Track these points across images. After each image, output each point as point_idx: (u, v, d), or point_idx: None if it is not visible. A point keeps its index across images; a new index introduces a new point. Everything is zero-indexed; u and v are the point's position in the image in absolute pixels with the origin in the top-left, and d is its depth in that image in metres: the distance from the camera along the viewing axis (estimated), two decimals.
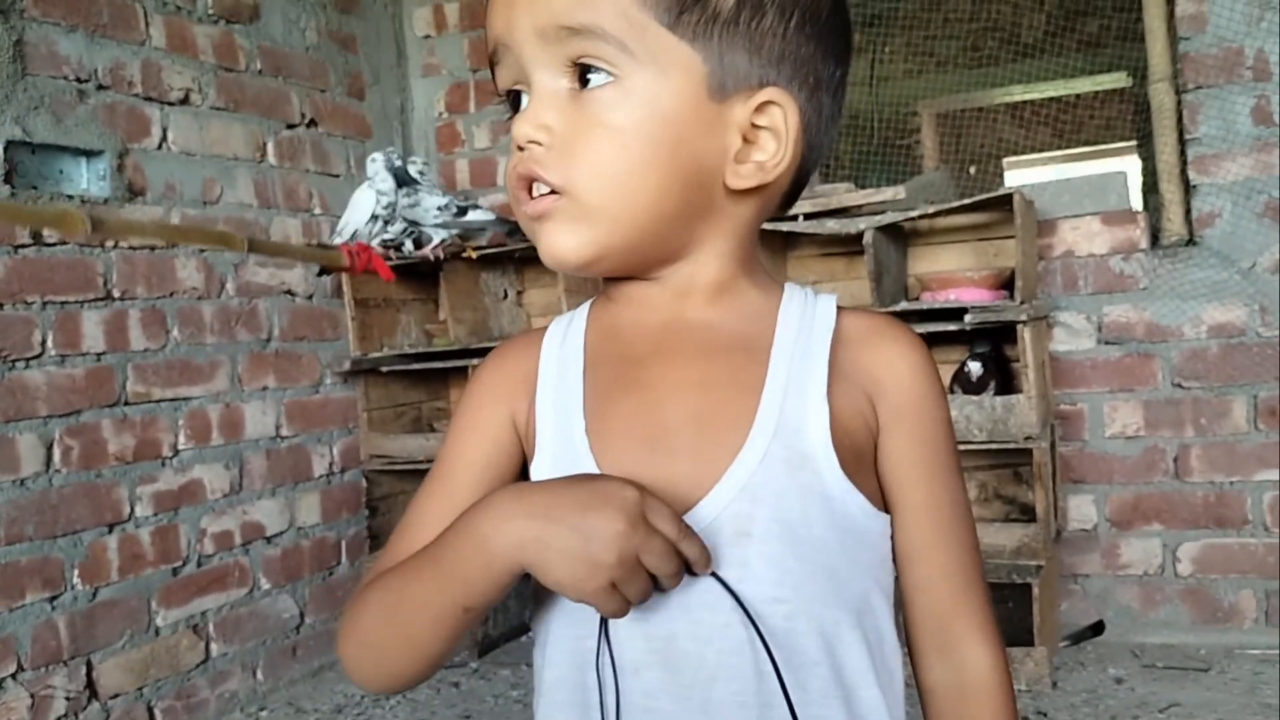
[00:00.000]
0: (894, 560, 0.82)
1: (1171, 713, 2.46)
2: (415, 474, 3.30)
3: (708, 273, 0.80)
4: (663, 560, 0.69)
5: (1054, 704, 2.56)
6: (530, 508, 0.71)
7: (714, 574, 0.72)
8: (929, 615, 0.81)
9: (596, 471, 0.76)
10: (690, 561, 0.71)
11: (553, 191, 0.75)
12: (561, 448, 0.79)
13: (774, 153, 0.78)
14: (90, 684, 2.51)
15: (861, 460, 0.78)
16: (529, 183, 0.76)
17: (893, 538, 0.81)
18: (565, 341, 0.84)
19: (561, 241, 0.76)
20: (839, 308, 0.82)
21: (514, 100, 0.79)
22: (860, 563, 0.78)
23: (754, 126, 0.77)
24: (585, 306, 0.87)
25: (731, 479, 0.74)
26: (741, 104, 0.76)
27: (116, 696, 2.57)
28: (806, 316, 0.81)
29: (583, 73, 0.74)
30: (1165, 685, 2.63)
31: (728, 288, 0.81)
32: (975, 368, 2.84)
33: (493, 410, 0.84)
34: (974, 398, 2.77)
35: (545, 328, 0.86)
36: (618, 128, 0.74)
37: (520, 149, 0.76)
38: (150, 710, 2.65)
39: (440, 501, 0.82)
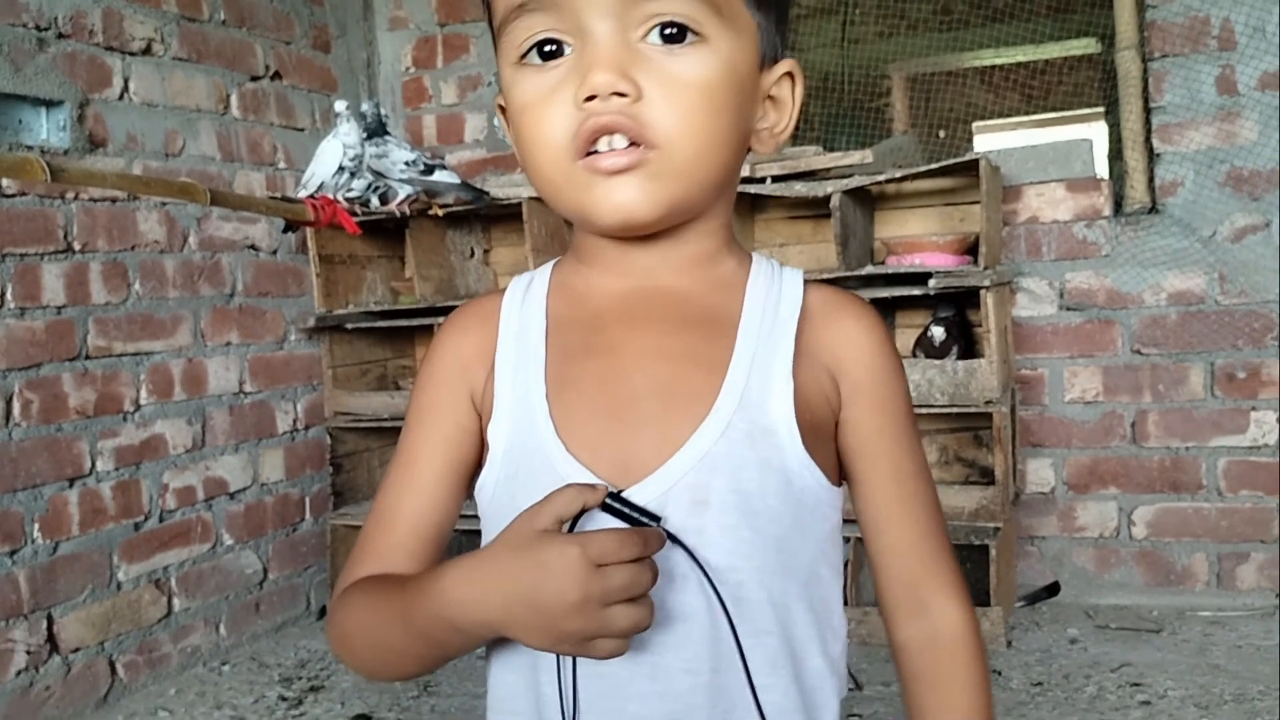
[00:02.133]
0: (861, 527, 0.84)
1: (1123, 672, 2.52)
2: (380, 431, 3.30)
3: (702, 240, 0.81)
4: (632, 586, 0.68)
5: (1009, 663, 2.61)
6: (486, 592, 0.71)
7: (677, 540, 0.73)
8: (899, 578, 0.83)
9: (552, 455, 0.76)
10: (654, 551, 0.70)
11: (632, 145, 0.73)
12: (520, 415, 0.79)
13: (782, 121, 0.82)
14: (51, 637, 2.51)
15: (820, 434, 0.80)
16: (599, 135, 0.73)
17: (857, 507, 0.83)
18: (525, 304, 0.83)
19: (636, 196, 0.74)
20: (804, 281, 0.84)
21: (539, 49, 0.75)
22: (811, 535, 0.79)
23: (768, 97, 0.80)
24: (547, 268, 0.86)
25: (691, 449, 0.75)
26: (768, 73, 0.80)
27: (78, 650, 2.57)
28: (773, 290, 0.82)
29: (662, 30, 0.73)
30: (1118, 645, 2.68)
31: (709, 257, 0.82)
32: (938, 332, 2.86)
33: (451, 391, 0.83)
34: (936, 362, 2.80)
35: (503, 291, 0.86)
36: (711, 88, 0.74)
37: (588, 100, 0.72)
38: (112, 664, 2.65)
39: (409, 494, 0.83)
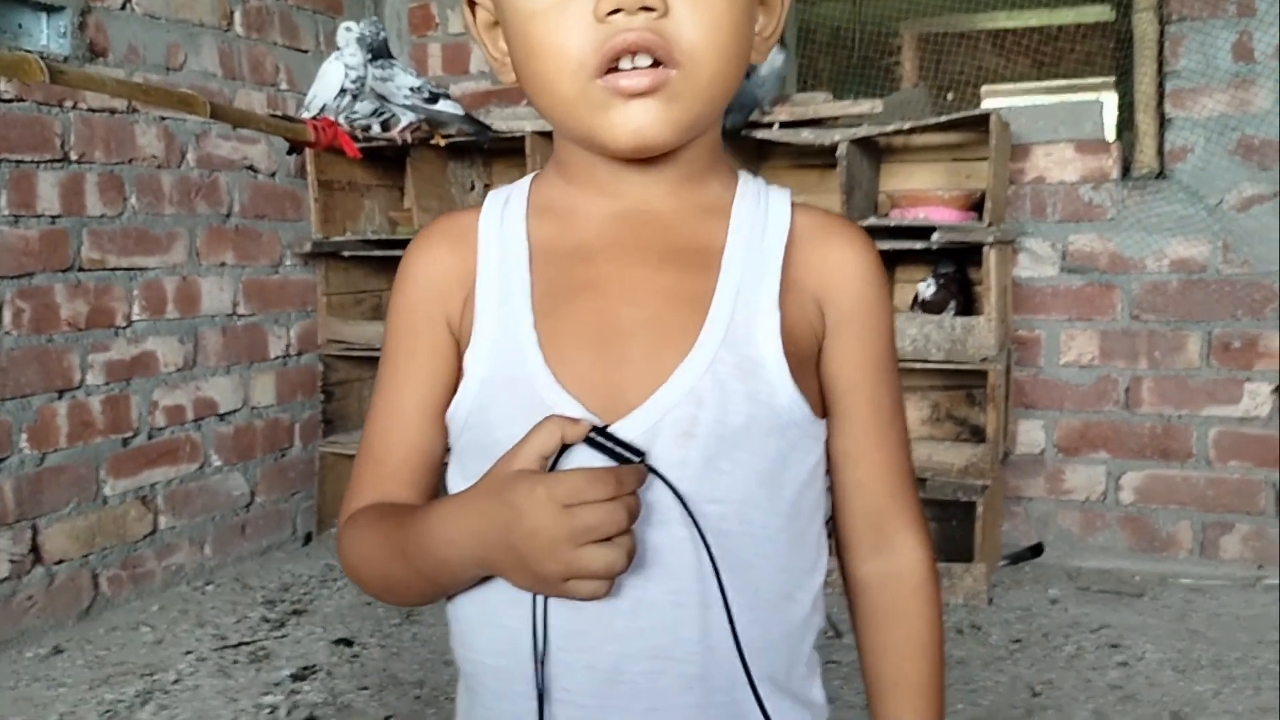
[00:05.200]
0: (830, 459, 0.82)
1: (1102, 633, 2.53)
2: (372, 361, 3.27)
3: (694, 159, 0.78)
4: (603, 526, 0.66)
5: (989, 619, 2.62)
6: (466, 532, 0.71)
7: (659, 474, 0.71)
8: (866, 512, 0.83)
9: (541, 380, 0.74)
10: (632, 490, 0.69)
11: (655, 64, 0.70)
12: (505, 344, 0.76)
13: (770, 24, 0.79)
14: (35, 548, 2.50)
15: (804, 364, 0.78)
16: (623, 54, 0.69)
17: (830, 438, 0.81)
18: (505, 225, 0.80)
19: (654, 120, 0.71)
20: (792, 204, 0.81)
21: None
22: (796, 469, 0.78)
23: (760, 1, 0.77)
24: (524, 183, 0.83)
25: (677, 382, 0.73)
26: None
27: (61, 562, 2.56)
28: (760, 213, 0.79)
29: None
30: (1098, 607, 2.70)
31: (699, 177, 0.79)
32: (924, 288, 2.86)
33: (427, 317, 0.80)
34: (934, 317, 2.79)
35: (476, 209, 0.82)
36: (731, 2, 0.71)
37: (611, 13, 0.69)
38: (95, 578, 2.65)
39: (395, 424, 0.81)
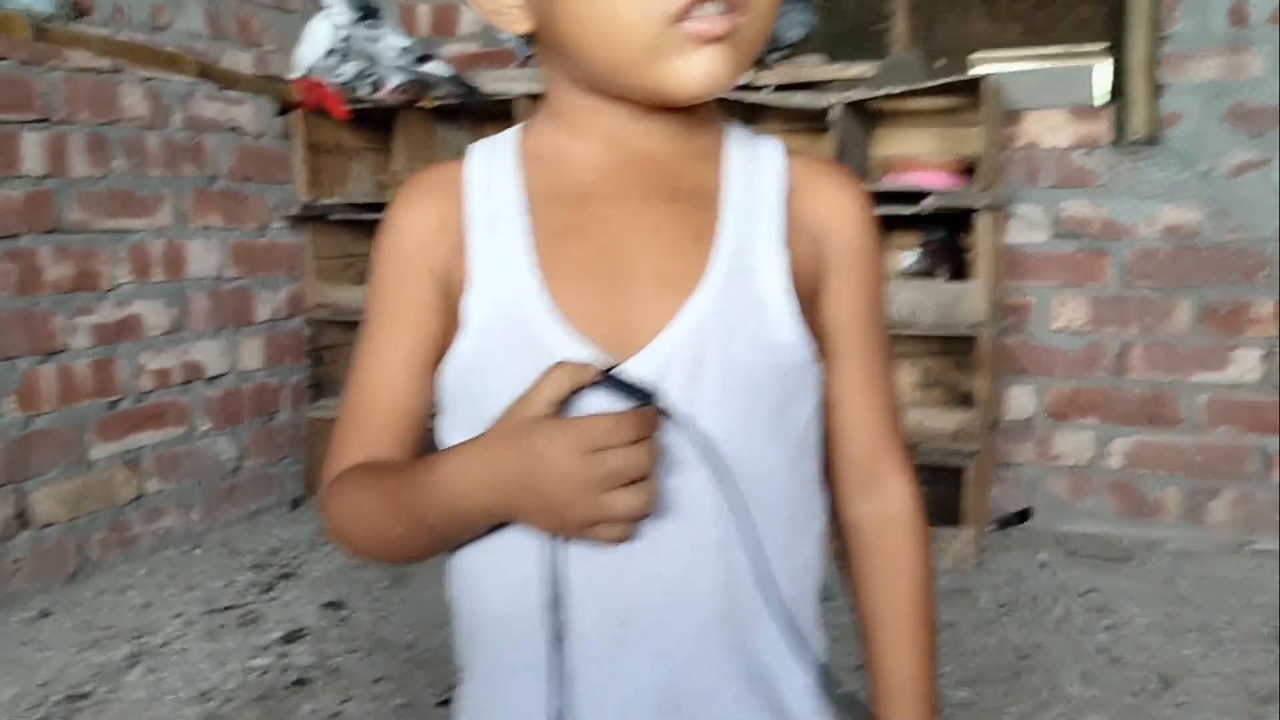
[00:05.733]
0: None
1: (1090, 598, 2.54)
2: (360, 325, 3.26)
3: (700, 105, 0.77)
4: (629, 470, 0.66)
5: (977, 582, 2.63)
6: (481, 480, 0.69)
7: (671, 415, 0.70)
8: (858, 454, 0.84)
9: (544, 341, 0.73)
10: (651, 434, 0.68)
11: (728, 9, 0.69)
12: (505, 287, 0.74)
13: None
14: (22, 512, 2.49)
15: (805, 306, 0.78)
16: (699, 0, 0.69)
17: (824, 379, 0.81)
18: (493, 172, 0.78)
19: (721, 66, 0.70)
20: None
21: None
22: (799, 408, 0.79)
23: None
24: (509, 134, 0.81)
25: (686, 318, 0.73)
26: None
27: (48, 526, 2.55)
28: (752, 160, 0.80)
29: None
30: (1086, 572, 2.71)
31: (696, 124, 0.78)
32: (908, 258, 2.86)
33: (415, 272, 0.78)
34: (925, 282, 2.78)
35: (459, 161, 0.80)
36: None
37: None
38: (82, 542, 2.64)
39: (382, 380, 0.79)
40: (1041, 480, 3.08)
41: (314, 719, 1.98)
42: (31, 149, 2.50)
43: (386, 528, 0.76)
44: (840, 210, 0.81)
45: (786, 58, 2.87)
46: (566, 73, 0.76)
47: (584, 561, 0.72)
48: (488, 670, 0.79)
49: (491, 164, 0.79)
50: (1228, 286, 2.86)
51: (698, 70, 0.70)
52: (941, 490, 2.90)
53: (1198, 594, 2.56)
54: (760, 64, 2.84)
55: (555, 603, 0.72)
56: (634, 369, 0.71)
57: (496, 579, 0.76)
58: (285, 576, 2.69)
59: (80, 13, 2.57)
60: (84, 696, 2.06)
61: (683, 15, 0.68)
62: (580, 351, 0.71)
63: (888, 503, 0.84)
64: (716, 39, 0.69)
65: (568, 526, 0.68)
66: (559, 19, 0.72)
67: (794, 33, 2.80)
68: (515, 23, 0.76)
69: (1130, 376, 2.97)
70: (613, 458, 0.65)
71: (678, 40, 0.69)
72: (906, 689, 0.83)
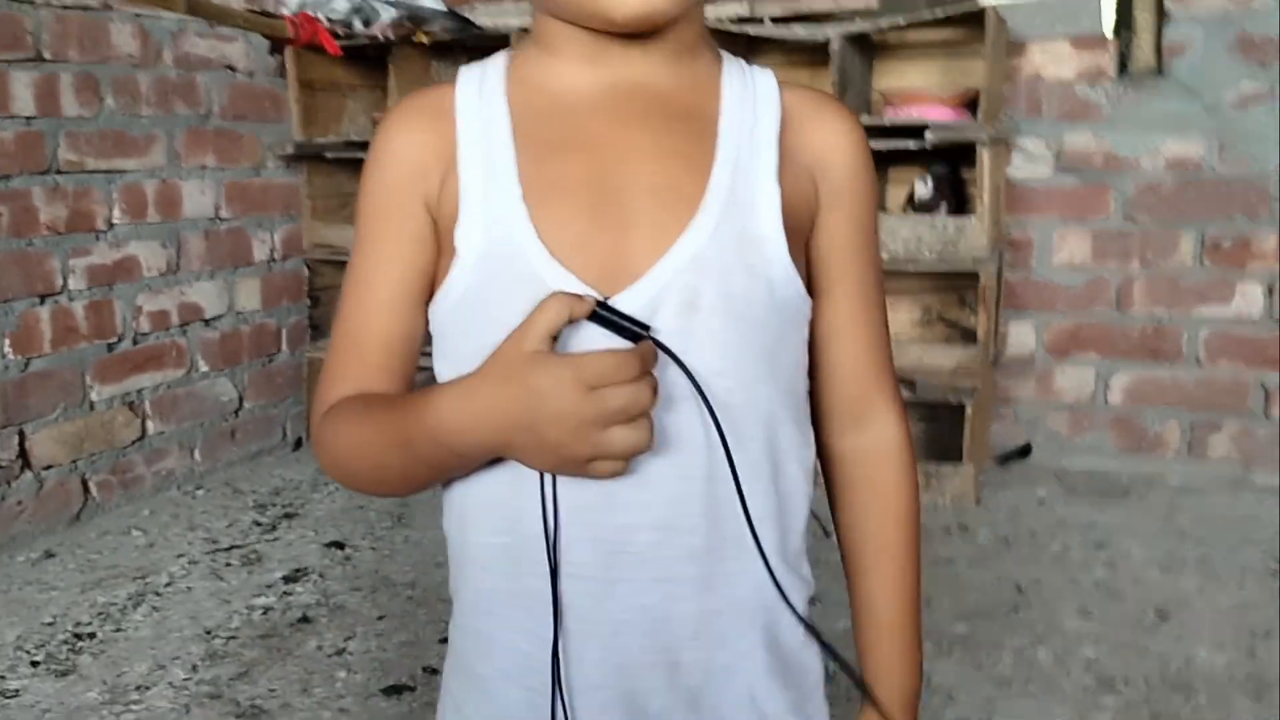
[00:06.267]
0: (812, 335, 0.82)
1: (1089, 532, 2.55)
2: None
3: (683, 33, 0.76)
4: (630, 407, 0.66)
5: (976, 519, 2.64)
6: (479, 416, 0.68)
7: (666, 349, 0.70)
8: (848, 387, 0.84)
9: (531, 272, 0.71)
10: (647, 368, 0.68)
11: None
12: (497, 216, 0.73)
13: None
14: (23, 453, 2.50)
15: (797, 240, 0.77)
16: None
17: (814, 313, 0.81)
18: (484, 96, 0.77)
19: None
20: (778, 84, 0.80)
21: None
22: (791, 343, 0.79)
23: None
24: (499, 58, 0.80)
25: (681, 250, 0.72)
26: None
27: (50, 468, 2.56)
28: (748, 90, 0.78)
29: None
30: (1085, 507, 2.72)
31: (688, 51, 0.77)
32: (921, 187, 2.82)
33: (405, 200, 0.77)
34: (926, 217, 2.76)
35: (449, 86, 0.78)
36: None
37: None
38: (85, 483, 2.65)
39: (373, 311, 0.78)
40: (1042, 417, 3.08)
41: (318, 656, 2.00)
42: (21, 89, 2.47)
43: (382, 461, 0.75)
44: (834, 143, 0.80)
45: None
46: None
47: (574, 493, 0.72)
48: (478, 599, 0.79)
49: (482, 88, 0.77)
50: (1231, 220, 2.84)
51: None
52: (942, 427, 2.91)
53: (1197, 529, 2.57)
54: None
55: (551, 535, 0.73)
56: (627, 302, 0.71)
57: (490, 510, 0.76)
58: (288, 516, 2.70)
59: None
60: (89, 636, 2.08)
61: None
62: (571, 284, 0.70)
63: (876, 436, 0.84)
64: None
65: (565, 464, 0.68)
66: None
67: None
68: None
69: (1132, 312, 2.96)
70: (614, 395, 0.65)
71: None
72: (890, 622, 0.84)
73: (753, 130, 0.76)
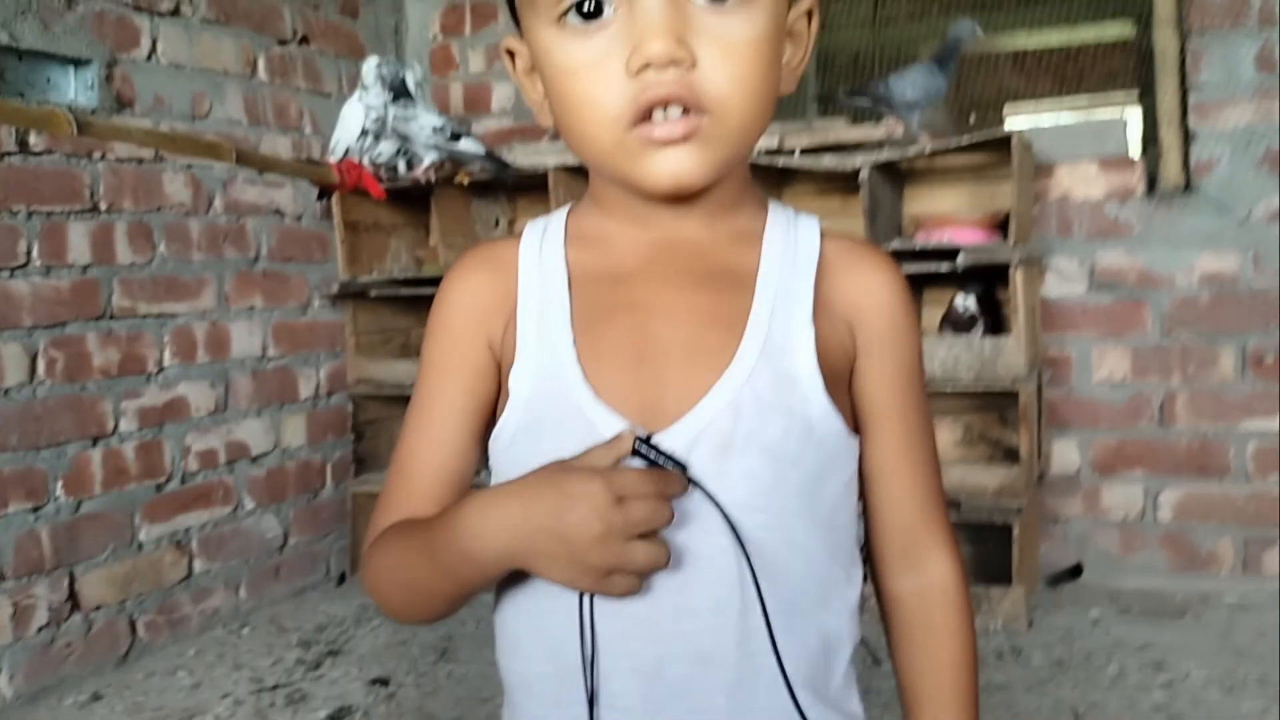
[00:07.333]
0: (862, 476, 0.84)
1: (1145, 654, 2.49)
2: (402, 400, 3.28)
3: (726, 190, 0.81)
4: (652, 519, 0.70)
5: (1029, 642, 2.59)
6: (507, 519, 0.72)
7: (699, 485, 0.73)
8: (898, 528, 0.85)
9: (582, 394, 0.76)
10: (673, 496, 0.72)
11: (685, 112, 0.72)
12: (547, 362, 0.78)
13: (798, 54, 0.81)
14: (72, 595, 2.52)
15: (837, 382, 0.80)
16: (655, 106, 0.72)
17: (861, 456, 0.83)
18: (543, 252, 0.83)
19: (689, 164, 0.74)
20: (820, 232, 0.84)
21: (578, 8, 0.73)
22: (831, 481, 0.80)
23: (788, 33, 0.79)
24: (561, 214, 0.86)
25: (717, 394, 0.76)
26: (794, 9, 0.79)
27: (99, 608, 2.58)
28: (790, 241, 0.82)
29: None
30: (1141, 628, 2.65)
31: (731, 206, 0.82)
32: (967, 303, 2.83)
33: (467, 338, 0.82)
34: (963, 338, 2.77)
35: (515, 237, 0.85)
36: (760, 45, 0.74)
37: (642, 68, 0.71)
38: (132, 623, 2.66)
39: (430, 444, 0.83)
40: (1091, 535, 3.03)
41: None
42: (78, 238, 2.56)
43: (409, 577, 0.78)
44: (871, 291, 0.83)
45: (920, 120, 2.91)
46: None
47: (612, 623, 0.74)
48: None
49: (543, 243, 0.83)
50: (1271, 333, 2.83)
51: (666, 169, 0.74)
52: (989, 548, 2.87)
53: (1256, 647, 2.50)
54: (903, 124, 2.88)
55: (589, 662, 0.74)
56: (664, 442, 0.74)
57: (536, 639, 0.79)
58: (332, 653, 2.69)
59: (122, 104, 2.65)
60: None
61: (640, 120, 0.73)
62: (615, 424, 0.75)
63: (929, 577, 0.84)
64: (677, 140, 0.73)
65: (585, 574, 0.71)
66: (557, 123, 0.79)
67: (912, 93, 2.83)
68: (546, 115, 0.81)
69: (1176, 427, 2.93)
70: (638, 507, 0.69)
71: (640, 144, 0.73)
72: None
73: (791, 279, 0.80)
